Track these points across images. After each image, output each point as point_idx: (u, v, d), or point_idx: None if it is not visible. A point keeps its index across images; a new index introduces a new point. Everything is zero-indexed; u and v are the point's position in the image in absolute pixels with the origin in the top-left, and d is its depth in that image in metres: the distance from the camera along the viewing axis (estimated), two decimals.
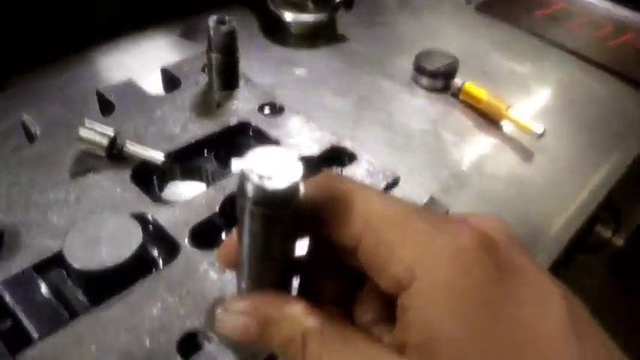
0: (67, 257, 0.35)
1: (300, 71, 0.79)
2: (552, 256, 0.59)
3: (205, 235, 0.42)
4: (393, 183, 0.48)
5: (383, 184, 0.48)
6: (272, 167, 0.24)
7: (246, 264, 0.27)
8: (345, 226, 0.25)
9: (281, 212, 0.24)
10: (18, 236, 0.39)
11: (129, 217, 0.38)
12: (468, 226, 0.24)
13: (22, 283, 0.35)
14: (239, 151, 0.53)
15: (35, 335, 0.33)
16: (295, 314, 0.25)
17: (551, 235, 0.61)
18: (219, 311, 0.27)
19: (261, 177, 0.23)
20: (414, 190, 0.51)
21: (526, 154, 0.69)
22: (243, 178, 0.24)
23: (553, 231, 0.61)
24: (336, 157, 0.51)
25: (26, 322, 0.34)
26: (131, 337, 0.33)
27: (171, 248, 0.40)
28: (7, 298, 0.35)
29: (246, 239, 0.26)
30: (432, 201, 0.47)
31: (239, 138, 0.52)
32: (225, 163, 0.51)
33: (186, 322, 0.35)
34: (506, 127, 0.71)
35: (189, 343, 0.34)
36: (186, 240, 0.40)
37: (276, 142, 0.51)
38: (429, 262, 0.23)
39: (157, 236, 0.41)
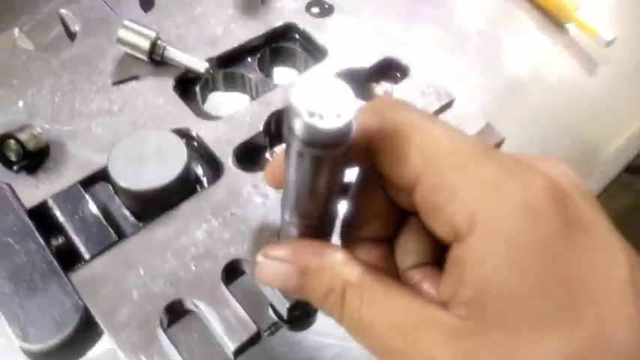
0: (113, 176, 0.35)
1: None
2: (605, 181, 0.57)
3: (249, 154, 0.41)
4: (448, 105, 0.45)
5: (436, 106, 0.45)
6: (323, 101, 0.22)
7: (291, 197, 0.27)
8: (401, 163, 0.23)
9: (332, 153, 0.23)
10: (63, 148, 0.39)
11: (173, 135, 0.38)
12: (539, 174, 0.22)
13: (70, 199, 0.36)
14: (284, 58, 0.50)
15: (86, 255, 0.34)
16: (335, 265, 0.25)
17: (606, 158, 0.58)
18: (259, 258, 0.27)
19: (311, 114, 0.22)
20: (465, 107, 0.48)
21: (590, 63, 0.63)
22: (291, 113, 0.22)
23: (609, 153, 0.58)
24: (388, 70, 0.47)
25: (76, 240, 0.35)
26: (178, 262, 0.34)
27: (214, 167, 0.40)
28: (58, 213, 0.36)
29: (292, 174, 0.25)
30: (487, 128, 0.44)
31: (284, 42, 0.49)
32: (269, 72, 0.49)
33: (230, 248, 0.35)
34: (572, 30, 0.64)
35: (234, 268, 0.35)
36: (230, 160, 0.39)
37: (323, 50, 0.47)
38: (493, 212, 0.21)
39: (201, 154, 0.41)
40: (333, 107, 0.22)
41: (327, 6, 0.50)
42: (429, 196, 0.23)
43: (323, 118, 0.22)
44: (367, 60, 0.46)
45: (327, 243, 0.27)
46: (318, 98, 0.23)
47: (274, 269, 0.26)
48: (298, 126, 0.22)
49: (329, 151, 0.23)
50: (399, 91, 0.45)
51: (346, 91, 0.23)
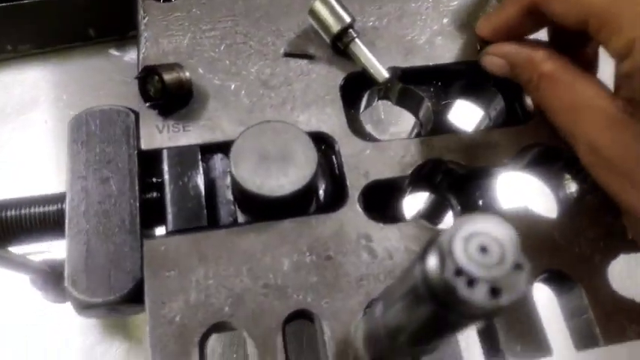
0: (232, 164, 0.31)
1: None
2: None
3: (382, 196, 0.35)
4: None
5: None
6: (484, 262, 0.16)
7: (390, 315, 0.22)
8: None
9: (457, 320, 0.18)
10: (204, 103, 0.36)
11: (310, 143, 0.32)
12: None
13: (184, 161, 0.33)
14: (477, 96, 0.41)
15: (170, 225, 0.31)
16: (535, 60, 0.32)
17: None
18: (484, 56, 0.36)
19: (458, 272, 0.16)
20: None
21: None
22: (433, 249, 0.17)
23: None
24: None
25: (168, 206, 0.32)
26: (249, 282, 0.30)
27: (337, 193, 0.34)
28: (165, 169, 0.33)
29: (398, 300, 0.21)
30: None
31: (487, 83, 0.40)
32: (450, 103, 0.41)
33: (308, 296, 0.30)
34: None
35: (300, 313, 0.30)
36: (357, 195, 0.34)
37: (527, 111, 0.38)
38: None
39: (332, 172, 0.35)
40: (492, 275, 0.16)
41: None
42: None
43: (473, 285, 0.16)
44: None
45: (532, 42, 0.35)
46: (480, 253, 0.17)
47: (494, 62, 0.35)
48: (433, 274, 0.16)
49: (460, 318, 0.17)
50: (593, 198, 0.35)
51: (522, 264, 0.16)
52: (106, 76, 0.71)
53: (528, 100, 0.38)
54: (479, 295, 0.16)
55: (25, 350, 0.51)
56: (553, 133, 0.36)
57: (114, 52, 0.73)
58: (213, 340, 0.50)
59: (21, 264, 0.42)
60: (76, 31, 0.70)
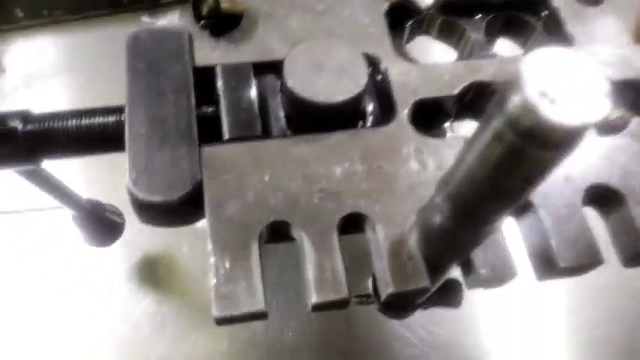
0: (286, 72, 0.32)
1: None
2: None
3: (430, 114, 0.35)
4: None
5: None
6: (565, 83, 0.17)
7: (460, 184, 0.23)
8: None
9: (543, 154, 0.18)
10: (255, 25, 0.36)
11: (361, 57, 0.33)
12: None
13: (237, 76, 0.34)
14: (518, 31, 0.42)
15: (226, 134, 0.32)
16: None
17: None
18: None
19: (542, 93, 0.17)
20: None
21: None
22: (512, 83, 0.17)
23: None
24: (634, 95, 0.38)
25: (224, 116, 0.33)
26: (304, 186, 0.31)
27: (387, 111, 0.35)
28: (219, 84, 0.34)
29: (473, 159, 0.21)
30: None
31: (527, 14, 0.41)
32: (492, 38, 0.42)
33: (360, 200, 0.31)
34: None
35: (354, 221, 0.31)
36: (406, 111, 0.34)
37: (568, 39, 0.39)
38: None
39: (380, 91, 0.36)
40: (574, 96, 0.17)
41: None
42: None
43: (554, 104, 0.17)
44: (615, 73, 0.37)
45: None
46: (559, 77, 0.17)
47: None
48: (515, 102, 0.17)
49: (540, 149, 0.18)
50: (637, 125, 0.35)
51: (600, 82, 0.17)
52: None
53: (567, 29, 0.39)
54: (560, 115, 0.16)
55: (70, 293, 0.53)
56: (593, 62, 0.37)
57: (146, 19, 0.74)
58: None
59: (68, 195, 0.43)
60: None
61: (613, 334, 0.60)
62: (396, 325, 0.56)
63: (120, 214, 0.49)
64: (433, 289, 0.34)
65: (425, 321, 0.57)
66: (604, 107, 0.17)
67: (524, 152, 0.18)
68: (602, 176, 0.33)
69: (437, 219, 0.26)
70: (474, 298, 0.45)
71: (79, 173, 0.55)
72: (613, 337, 0.60)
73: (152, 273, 0.54)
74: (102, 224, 0.49)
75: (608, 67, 0.37)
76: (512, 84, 0.18)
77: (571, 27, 0.39)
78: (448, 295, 0.38)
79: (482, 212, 0.24)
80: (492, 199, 0.22)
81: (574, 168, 0.33)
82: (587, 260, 0.30)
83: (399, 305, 0.37)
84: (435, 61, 0.38)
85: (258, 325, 0.54)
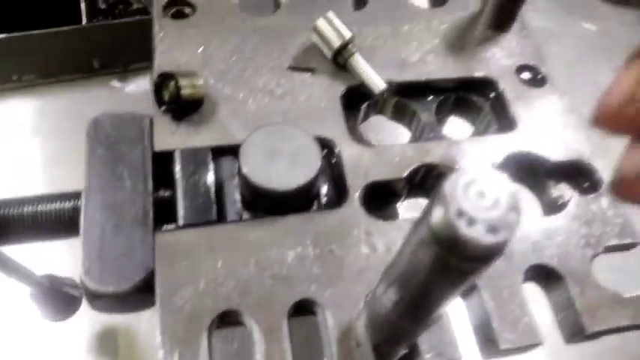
0: (241, 160, 0.33)
1: (589, 26, 0.62)
2: None
3: (381, 196, 0.37)
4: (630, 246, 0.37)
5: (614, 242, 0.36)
6: (484, 203, 0.18)
7: (396, 282, 0.24)
8: None
9: (463, 265, 0.20)
10: (214, 109, 0.38)
11: (314, 143, 0.35)
12: None
13: (195, 160, 0.35)
14: (466, 111, 0.44)
15: (181, 220, 0.33)
16: None
17: None
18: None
19: (460, 213, 0.18)
20: None
21: None
22: (437, 199, 0.19)
23: None
24: (575, 175, 0.40)
25: (180, 201, 0.34)
26: (256, 273, 0.32)
27: (339, 193, 0.37)
28: (177, 169, 0.35)
29: (405, 259, 0.22)
30: None
31: (474, 95, 0.44)
32: (443, 118, 0.44)
33: (312, 285, 0.32)
34: None
35: (303, 306, 0.32)
36: (358, 194, 0.36)
37: (512, 121, 0.41)
38: None
39: (333, 173, 0.38)
40: (492, 215, 0.18)
41: (540, 76, 0.44)
42: None
43: (472, 223, 0.18)
44: (556, 153, 0.39)
45: None
46: (479, 197, 0.19)
47: None
48: (437, 217, 0.19)
49: (460, 261, 0.19)
50: (578, 205, 0.37)
51: (514, 203, 0.18)
52: (106, 107, 0.74)
53: (512, 110, 0.41)
54: (478, 233, 0.18)
55: None
56: (535, 143, 0.39)
57: (115, 83, 0.75)
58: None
59: (25, 274, 0.43)
60: (80, 62, 0.72)
61: None
62: None
63: (78, 287, 0.49)
64: None
65: None
66: (514, 223, 0.19)
67: (446, 261, 0.20)
68: (543, 256, 0.35)
69: (381, 308, 0.27)
70: None
71: (37, 245, 0.55)
72: None
73: (111, 346, 0.53)
74: (60, 298, 0.49)
75: (549, 148, 0.39)
76: (437, 198, 0.19)
77: (515, 108, 0.42)
78: None
79: (418, 307, 0.25)
80: (425, 297, 0.24)
81: (515, 248, 0.35)
82: (526, 341, 0.32)
83: None
84: (389, 140, 0.40)
85: None
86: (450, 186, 0.19)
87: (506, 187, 0.19)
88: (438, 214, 0.19)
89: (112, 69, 0.74)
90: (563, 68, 0.53)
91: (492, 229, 0.18)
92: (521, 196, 0.19)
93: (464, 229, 0.18)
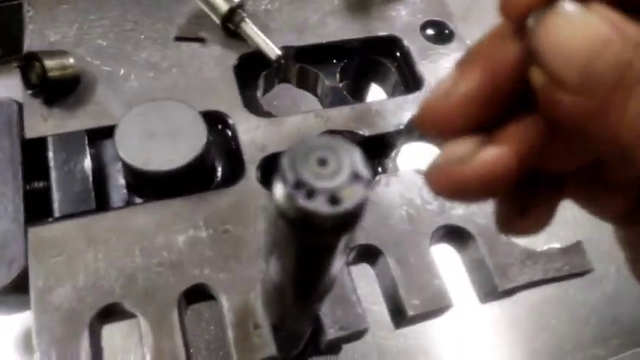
0: (117, 143, 0.30)
1: None
2: None
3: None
4: None
5: None
6: (326, 171, 0.17)
7: (270, 263, 0.22)
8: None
9: (314, 240, 0.18)
10: (92, 88, 0.35)
11: (199, 117, 0.32)
12: None
13: (70, 146, 0.32)
14: (373, 73, 0.42)
15: (57, 212, 0.30)
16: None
17: None
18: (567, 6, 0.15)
19: (298, 184, 0.16)
20: None
21: None
22: (277, 173, 0.17)
23: None
24: None
25: (55, 192, 0.31)
26: (142, 262, 0.29)
27: (235, 169, 0.34)
28: (50, 156, 0.32)
29: (269, 240, 0.21)
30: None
31: (380, 56, 0.42)
32: (349, 82, 0.42)
33: (205, 269, 0.30)
34: None
35: (199, 292, 0.30)
36: (255, 167, 0.33)
37: (419, 80, 0.39)
38: None
39: (228, 148, 0.35)
40: (333, 184, 0.17)
41: (447, 31, 0.42)
42: None
43: (313, 195, 0.16)
44: None
45: None
46: (320, 166, 0.17)
47: (589, 25, 0.15)
48: (278, 193, 0.17)
49: (314, 236, 0.18)
50: None
51: (360, 171, 0.17)
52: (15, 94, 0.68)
53: (418, 70, 0.40)
54: (318, 205, 0.16)
55: None
56: None
57: None
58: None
59: None
60: None
61: (539, 346, 0.62)
62: None
63: None
64: (298, 349, 0.33)
65: (329, 358, 0.56)
66: (360, 192, 0.17)
67: (298, 236, 0.18)
68: (451, 217, 0.33)
69: (270, 285, 0.25)
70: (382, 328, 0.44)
71: None
72: (540, 348, 0.62)
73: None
74: None
75: None
76: (277, 170, 0.17)
77: (422, 66, 0.40)
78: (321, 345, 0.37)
79: (299, 282, 0.23)
80: (301, 272, 0.22)
81: (421, 211, 0.33)
82: (434, 305, 0.31)
83: None
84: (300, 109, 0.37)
85: None
86: (289, 156, 0.17)
87: (352, 155, 0.17)
88: (278, 188, 0.17)
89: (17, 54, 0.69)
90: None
91: (334, 199, 0.16)
92: (366, 164, 0.17)
93: (303, 202, 0.16)
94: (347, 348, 0.54)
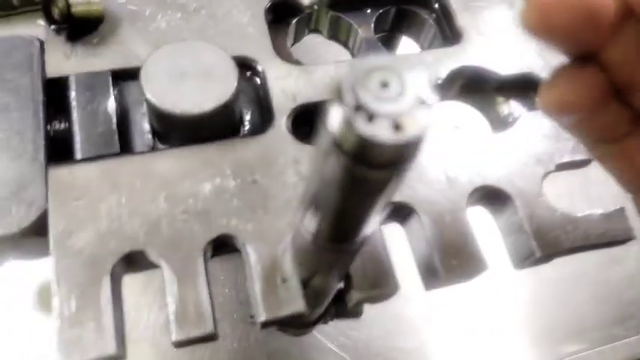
0: (143, 83, 0.29)
1: None
2: None
3: (310, 120, 0.33)
4: (582, 163, 0.34)
5: (566, 159, 0.34)
6: (387, 95, 0.15)
7: (312, 206, 0.21)
8: None
9: (373, 174, 0.16)
10: (117, 27, 0.33)
11: (229, 60, 0.30)
12: None
13: (93, 86, 0.31)
14: (409, 24, 0.40)
15: (78, 154, 0.29)
16: None
17: None
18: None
19: (359, 108, 0.15)
20: None
21: None
22: (335, 98, 0.15)
23: None
24: (526, 89, 0.36)
25: (77, 133, 0.29)
26: (167, 208, 0.28)
27: (265, 118, 0.33)
28: (73, 95, 0.30)
29: (317, 179, 0.19)
30: None
31: (417, 7, 0.39)
32: (384, 34, 0.40)
33: (232, 219, 0.28)
34: None
35: (224, 243, 0.28)
36: (285, 118, 0.32)
37: (458, 33, 0.37)
38: None
39: (258, 96, 0.33)
40: (396, 109, 0.15)
41: None
42: None
43: (373, 120, 0.15)
44: (506, 67, 0.36)
45: None
46: (382, 88, 0.15)
47: None
48: (334, 119, 0.15)
49: (371, 170, 0.16)
50: (527, 121, 0.34)
51: (426, 100, 0.15)
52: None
53: (458, 22, 0.37)
54: (379, 130, 0.14)
55: None
56: (483, 56, 0.36)
57: (41, 22, 0.68)
58: None
59: None
60: None
61: (558, 322, 0.61)
62: (314, 335, 0.54)
63: None
64: (321, 309, 0.32)
65: (344, 326, 0.55)
66: (424, 119, 0.15)
67: (350, 169, 0.16)
68: (489, 177, 0.32)
69: (303, 237, 0.24)
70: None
71: None
72: (558, 325, 0.61)
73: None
74: None
75: (498, 62, 0.36)
76: (334, 97, 0.16)
77: (461, 19, 0.38)
78: (346, 306, 0.36)
79: (338, 230, 0.22)
80: (342, 216, 0.20)
81: (458, 169, 0.31)
82: (471, 268, 0.29)
83: (292, 323, 0.35)
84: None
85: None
86: (349, 77, 0.15)
87: (417, 78, 0.16)
88: (334, 112, 0.15)
89: (34, 6, 0.67)
90: None
91: (397, 125, 0.15)
92: (432, 88, 0.16)
93: (362, 127, 0.15)
94: (363, 316, 0.53)
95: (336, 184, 0.18)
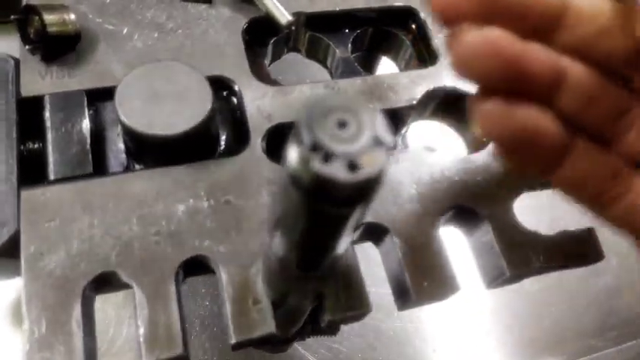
0: (117, 104, 0.29)
1: None
2: None
3: (285, 140, 0.33)
4: None
5: None
6: (345, 135, 0.15)
7: (278, 235, 0.21)
8: None
9: (328, 210, 0.17)
10: (93, 46, 0.33)
11: (204, 81, 0.31)
12: None
13: (68, 106, 0.31)
14: (386, 45, 0.41)
15: (51, 175, 0.29)
16: None
17: None
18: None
19: (315, 147, 0.15)
20: None
21: None
22: (292, 136, 0.16)
23: None
24: None
25: (50, 153, 0.29)
26: (139, 230, 0.28)
27: (240, 138, 0.33)
28: (47, 116, 0.30)
29: (278, 208, 0.19)
30: None
31: (394, 28, 0.40)
32: (360, 54, 0.40)
33: (205, 241, 0.28)
34: None
35: (196, 264, 0.29)
36: (260, 138, 0.32)
37: (434, 54, 0.38)
38: None
39: (234, 117, 0.34)
40: (353, 149, 0.15)
41: None
42: None
43: (330, 160, 0.15)
44: None
45: None
46: (340, 128, 0.16)
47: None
48: (292, 157, 0.15)
49: (327, 206, 0.16)
50: None
51: (382, 139, 0.15)
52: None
53: (434, 43, 0.38)
54: (335, 170, 0.15)
55: None
56: (457, 77, 0.36)
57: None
58: None
59: None
60: None
61: (537, 334, 0.62)
62: (295, 347, 0.54)
63: None
64: (295, 328, 0.32)
65: (325, 338, 0.56)
66: (380, 158, 0.15)
67: (309, 205, 0.17)
68: (462, 197, 0.32)
69: (273, 258, 0.24)
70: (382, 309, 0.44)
71: None
72: (538, 337, 0.61)
73: None
74: None
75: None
76: (293, 131, 0.16)
77: (438, 41, 0.38)
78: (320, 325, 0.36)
79: (305, 255, 0.22)
80: (308, 244, 0.21)
81: (432, 189, 0.32)
82: (443, 288, 0.30)
83: (267, 342, 0.35)
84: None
85: None
86: (306, 115, 0.16)
87: (374, 117, 0.16)
88: (293, 150, 0.16)
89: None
90: None
91: (352, 165, 0.15)
92: (388, 128, 0.16)
93: (318, 166, 0.15)
94: (343, 329, 0.54)
95: (297, 217, 0.18)
